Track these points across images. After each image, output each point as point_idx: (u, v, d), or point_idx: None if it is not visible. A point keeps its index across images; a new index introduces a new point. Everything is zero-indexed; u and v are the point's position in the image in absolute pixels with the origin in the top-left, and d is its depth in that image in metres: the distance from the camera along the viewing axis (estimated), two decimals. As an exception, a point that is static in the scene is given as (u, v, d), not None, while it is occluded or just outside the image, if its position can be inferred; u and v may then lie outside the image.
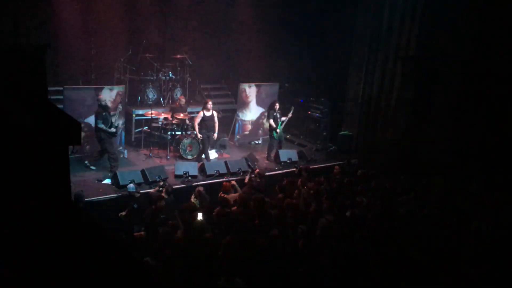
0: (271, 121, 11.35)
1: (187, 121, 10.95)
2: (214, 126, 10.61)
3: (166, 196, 7.76)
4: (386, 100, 11.63)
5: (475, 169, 9.39)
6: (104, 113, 9.37)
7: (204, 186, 8.47)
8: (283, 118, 11.37)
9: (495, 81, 9.51)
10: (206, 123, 10.50)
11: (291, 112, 11.42)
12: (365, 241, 6.18)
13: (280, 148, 11.49)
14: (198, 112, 10.89)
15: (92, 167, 9.71)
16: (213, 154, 11.10)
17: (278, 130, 11.29)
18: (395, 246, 6.16)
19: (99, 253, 2.30)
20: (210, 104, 10.53)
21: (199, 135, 10.49)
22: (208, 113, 10.51)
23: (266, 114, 12.74)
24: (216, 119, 10.65)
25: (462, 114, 10.10)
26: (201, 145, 10.75)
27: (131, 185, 8.05)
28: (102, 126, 9.28)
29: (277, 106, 11.42)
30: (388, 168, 10.33)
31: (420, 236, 6.49)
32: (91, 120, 10.37)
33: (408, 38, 10.96)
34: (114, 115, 9.73)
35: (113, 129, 9.46)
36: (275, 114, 11.33)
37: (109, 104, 10.45)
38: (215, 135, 10.74)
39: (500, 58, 9.44)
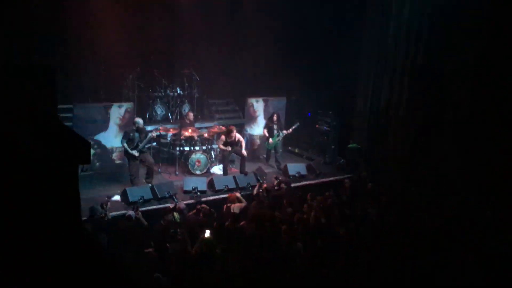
0: (265, 131, 11.64)
1: (196, 137, 10.95)
2: (239, 146, 10.66)
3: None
4: (394, 112, 11.54)
5: (485, 182, 9.27)
6: (131, 133, 9.39)
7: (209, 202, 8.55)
8: (284, 131, 11.54)
9: (507, 91, 9.34)
10: (229, 145, 10.59)
11: (293, 127, 11.56)
12: (377, 254, 6.12)
13: (277, 160, 11.64)
14: (208, 128, 11.13)
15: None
16: (221, 169, 11.08)
17: (271, 140, 11.52)
18: (408, 257, 6.11)
19: (103, 275, 2.29)
20: (234, 133, 10.51)
21: (228, 148, 10.51)
22: (230, 139, 10.53)
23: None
24: (243, 142, 10.73)
25: (473, 125, 9.93)
26: (209, 160, 10.84)
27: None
28: (125, 145, 9.35)
29: (275, 118, 11.61)
30: (397, 180, 10.23)
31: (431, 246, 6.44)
32: (100, 137, 10.46)
33: (415, 49, 10.89)
34: (145, 138, 9.50)
35: (135, 152, 9.38)
36: (270, 125, 11.58)
37: (118, 122, 10.54)
38: (243, 151, 10.70)
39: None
